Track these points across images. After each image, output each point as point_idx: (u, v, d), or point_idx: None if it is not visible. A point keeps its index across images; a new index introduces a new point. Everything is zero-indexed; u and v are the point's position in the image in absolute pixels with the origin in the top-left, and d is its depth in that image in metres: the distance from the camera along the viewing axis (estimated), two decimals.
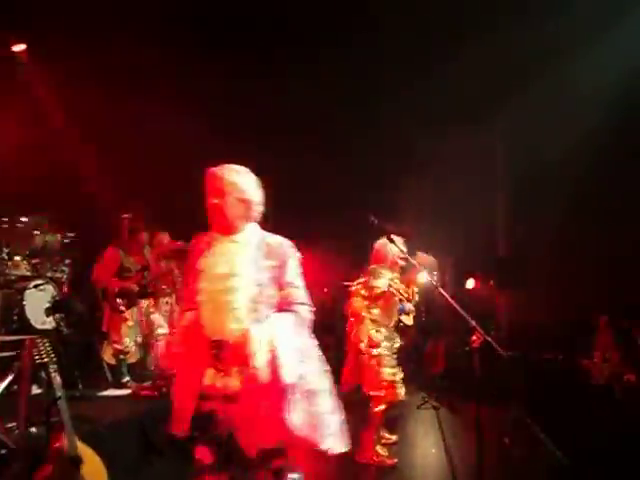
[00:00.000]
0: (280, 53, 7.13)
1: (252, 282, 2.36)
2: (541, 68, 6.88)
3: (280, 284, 2.43)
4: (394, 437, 4.85)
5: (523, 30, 6.19)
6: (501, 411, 6.15)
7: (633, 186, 7.11)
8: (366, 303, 4.46)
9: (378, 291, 4.39)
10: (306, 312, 2.46)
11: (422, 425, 5.74)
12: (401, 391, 4.45)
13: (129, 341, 5.26)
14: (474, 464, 2.81)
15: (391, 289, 4.41)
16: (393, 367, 4.44)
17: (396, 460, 4.39)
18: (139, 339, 5.39)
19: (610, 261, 7.34)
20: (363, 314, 4.45)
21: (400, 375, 4.48)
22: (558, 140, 7.36)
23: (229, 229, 2.46)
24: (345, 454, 4.32)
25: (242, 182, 2.45)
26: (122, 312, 5.27)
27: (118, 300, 5.24)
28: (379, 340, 4.38)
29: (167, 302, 6.60)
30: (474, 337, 2.49)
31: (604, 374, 5.91)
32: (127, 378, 5.24)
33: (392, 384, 4.40)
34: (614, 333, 6.06)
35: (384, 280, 4.40)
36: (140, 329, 5.44)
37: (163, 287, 6.49)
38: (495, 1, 6.25)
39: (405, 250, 4.08)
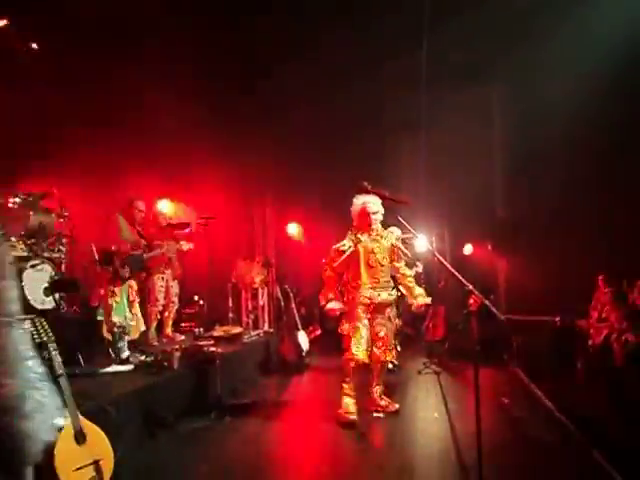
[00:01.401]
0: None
1: None
2: (541, 17, 6.71)
3: None
4: (396, 406, 4.91)
5: None
6: (500, 372, 6.26)
7: (634, 145, 7.03)
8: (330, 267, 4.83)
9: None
10: None
11: (423, 390, 5.82)
12: (357, 351, 4.60)
13: (117, 317, 5.27)
14: (474, 426, 2.84)
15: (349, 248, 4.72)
16: (352, 321, 4.70)
17: (398, 406, 4.86)
18: (128, 315, 5.41)
19: (609, 223, 7.32)
20: (327, 274, 4.83)
21: (363, 337, 4.65)
22: (556, 102, 7.24)
23: None
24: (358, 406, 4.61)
25: None
26: (126, 279, 5.37)
27: (125, 268, 5.28)
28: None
29: (162, 278, 6.67)
30: (471, 300, 2.51)
31: (601, 334, 5.94)
32: (127, 353, 5.25)
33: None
34: (612, 292, 6.07)
35: (345, 242, 4.76)
36: (130, 306, 5.48)
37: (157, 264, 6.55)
38: None
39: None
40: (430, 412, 4.90)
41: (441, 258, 3.07)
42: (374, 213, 4.73)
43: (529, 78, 7.63)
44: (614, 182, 7.36)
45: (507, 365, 6.56)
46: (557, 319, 6.59)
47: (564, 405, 4.62)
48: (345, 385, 4.74)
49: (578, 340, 6.23)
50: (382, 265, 4.77)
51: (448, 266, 2.66)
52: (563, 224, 7.83)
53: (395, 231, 4.91)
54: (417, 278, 7.30)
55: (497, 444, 3.75)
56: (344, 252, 4.71)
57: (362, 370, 4.81)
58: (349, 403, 4.67)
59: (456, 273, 2.57)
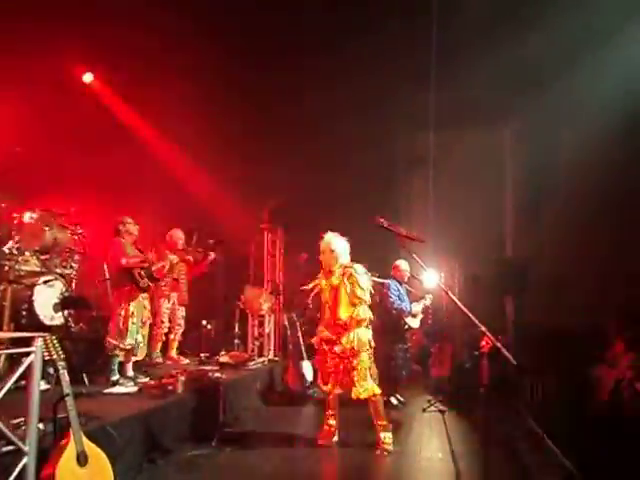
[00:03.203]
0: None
1: None
2: (553, 68, 6.83)
3: None
4: (390, 447, 4.71)
5: (536, 32, 6.18)
6: (506, 415, 6.14)
7: None
8: None
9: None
10: None
11: (428, 428, 5.71)
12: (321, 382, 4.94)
13: (130, 338, 5.23)
14: (480, 469, 2.79)
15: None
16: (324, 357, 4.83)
17: (392, 448, 4.66)
18: (139, 337, 5.38)
19: (621, 265, 7.26)
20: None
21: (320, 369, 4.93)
22: (567, 141, 7.30)
23: None
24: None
25: None
26: (147, 289, 5.41)
27: (144, 279, 5.30)
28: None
29: (168, 300, 6.71)
30: (483, 342, 2.49)
31: (611, 381, 5.84)
32: (117, 377, 5.19)
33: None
34: (624, 339, 5.98)
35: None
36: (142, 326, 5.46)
37: (163, 287, 6.57)
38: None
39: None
40: (434, 452, 4.80)
41: (452, 295, 3.04)
42: (323, 252, 4.81)
43: (542, 120, 7.71)
44: (626, 225, 7.33)
45: (514, 408, 6.44)
46: (566, 363, 6.49)
47: (572, 451, 4.51)
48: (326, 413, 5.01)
49: (589, 387, 6.11)
50: (328, 304, 4.79)
51: (461, 306, 2.65)
52: (573, 266, 7.77)
53: (357, 269, 4.73)
54: (425, 312, 7.28)
55: None
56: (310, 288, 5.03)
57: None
58: (323, 429, 4.96)
59: (469, 313, 2.55)
